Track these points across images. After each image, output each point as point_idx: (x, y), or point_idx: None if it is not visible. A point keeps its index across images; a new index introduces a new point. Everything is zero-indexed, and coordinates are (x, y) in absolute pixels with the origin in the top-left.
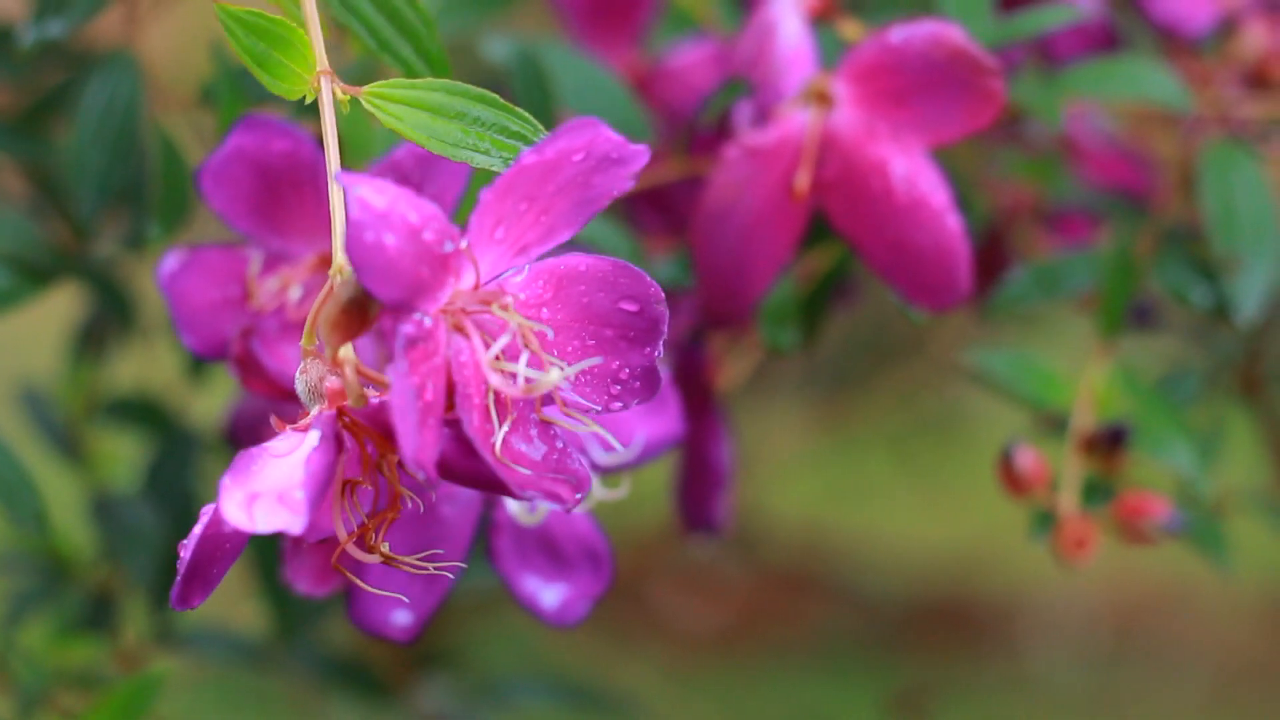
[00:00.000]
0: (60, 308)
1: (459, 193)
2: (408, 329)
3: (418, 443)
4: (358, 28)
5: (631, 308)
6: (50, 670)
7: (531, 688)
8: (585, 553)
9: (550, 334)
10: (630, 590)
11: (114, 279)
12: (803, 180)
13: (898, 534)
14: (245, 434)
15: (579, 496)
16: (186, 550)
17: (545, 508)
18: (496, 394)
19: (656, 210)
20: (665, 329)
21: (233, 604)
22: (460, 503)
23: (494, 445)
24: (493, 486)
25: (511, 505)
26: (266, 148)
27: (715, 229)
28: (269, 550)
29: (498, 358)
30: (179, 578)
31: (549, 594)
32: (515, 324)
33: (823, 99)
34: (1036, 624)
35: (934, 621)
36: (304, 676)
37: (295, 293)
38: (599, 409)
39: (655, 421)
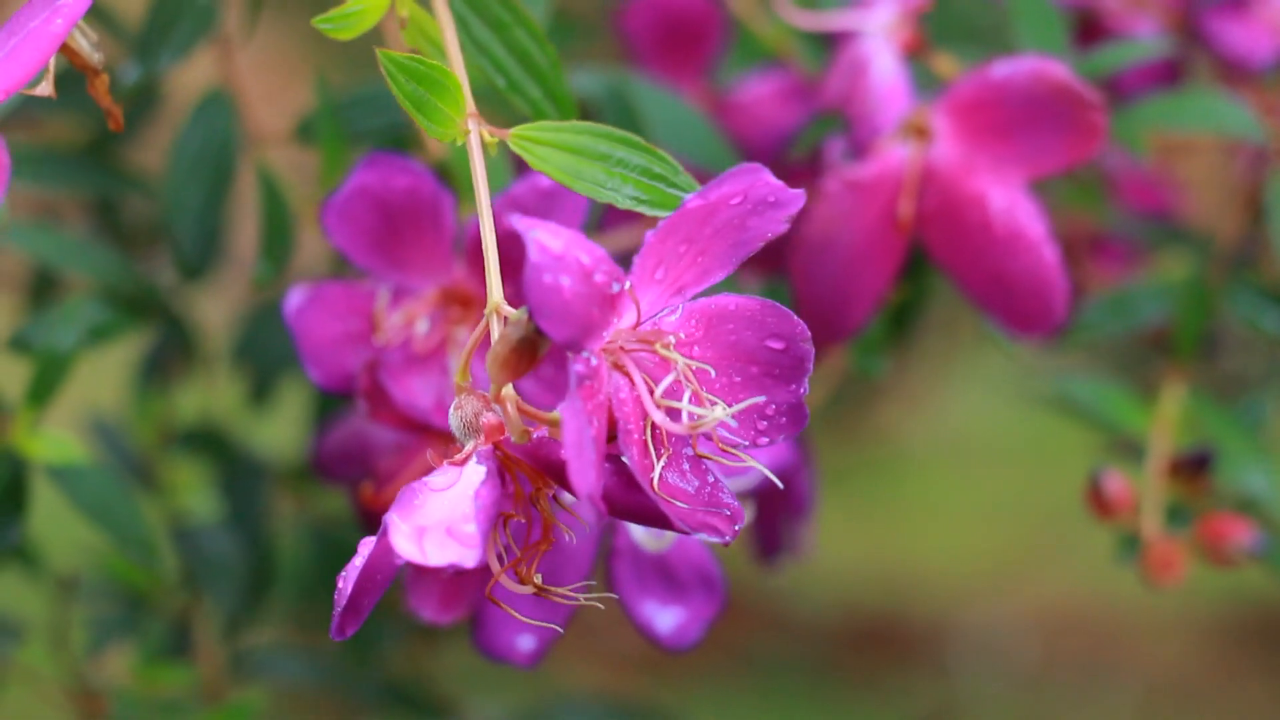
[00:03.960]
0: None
1: (578, 228)
2: (578, 367)
3: (592, 479)
4: (490, 70)
5: (778, 345)
6: (137, 699)
7: (582, 708)
8: (699, 577)
9: (713, 373)
10: None
11: (176, 310)
12: (906, 209)
13: (828, 558)
14: (334, 465)
15: (737, 528)
16: (346, 582)
17: (702, 539)
18: (652, 430)
19: None
20: (811, 366)
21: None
22: (583, 531)
23: (653, 480)
24: (654, 520)
25: (636, 532)
26: (388, 184)
27: (816, 260)
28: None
29: (663, 396)
30: (339, 609)
31: (665, 618)
32: (681, 364)
33: (921, 133)
34: (965, 645)
35: (864, 644)
36: (364, 699)
37: (422, 326)
38: (747, 444)
39: (772, 448)
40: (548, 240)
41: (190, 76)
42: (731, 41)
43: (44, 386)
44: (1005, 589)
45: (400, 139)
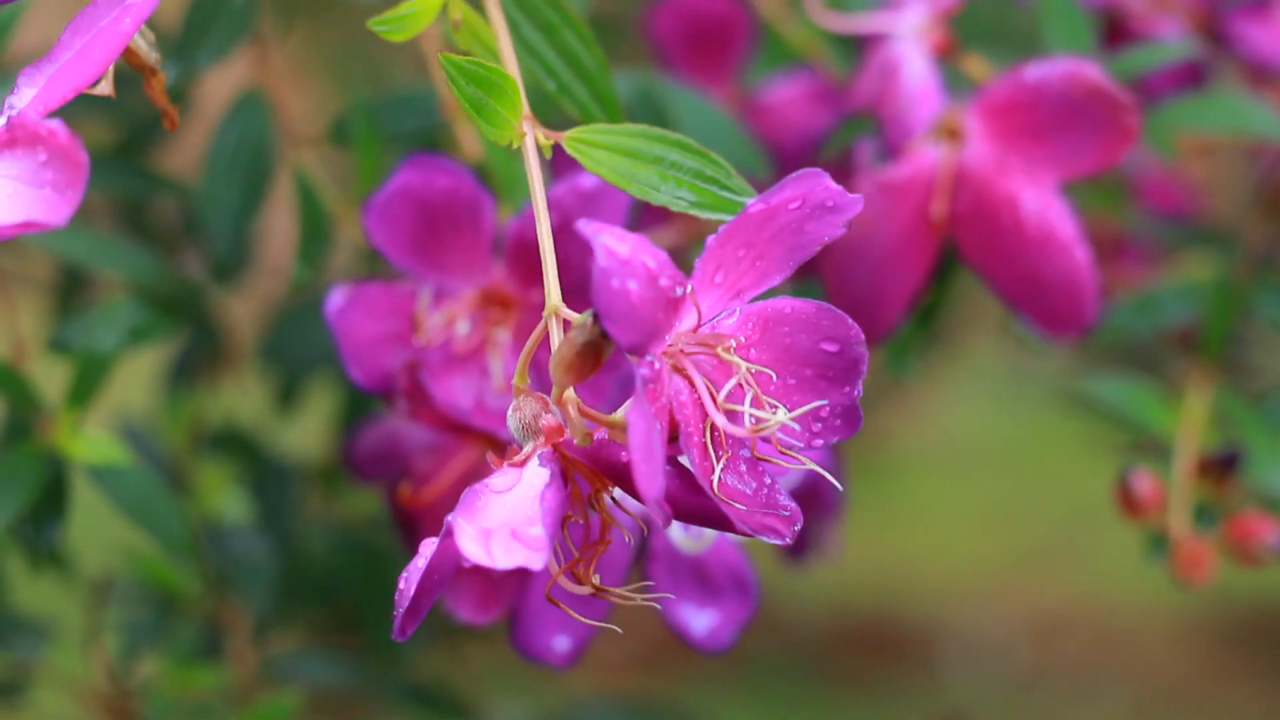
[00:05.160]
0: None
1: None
2: (644, 371)
3: (660, 483)
4: (539, 72)
5: (832, 348)
6: (168, 702)
7: (603, 710)
8: (733, 580)
9: (774, 378)
10: None
11: (205, 312)
12: (939, 210)
13: (821, 562)
14: (367, 465)
15: (795, 529)
16: (409, 584)
17: (761, 540)
18: (712, 433)
19: None
20: (864, 369)
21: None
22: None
23: (713, 483)
24: (716, 522)
25: (675, 534)
26: (430, 185)
27: (849, 262)
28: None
29: (725, 399)
30: (401, 610)
31: (699, 620)
32: (743, 368)
33: (954, 134)
34: (957, 648)
35: (857, 647)
36: (389, 701)
37: (463, 327)
38: (802, 446)
39: (809, 451)
40: (615, 245)
41: (214, 82)
42: (759, 44)
43: (85, 387)
44: (998, 593)
45: (433, 141)
